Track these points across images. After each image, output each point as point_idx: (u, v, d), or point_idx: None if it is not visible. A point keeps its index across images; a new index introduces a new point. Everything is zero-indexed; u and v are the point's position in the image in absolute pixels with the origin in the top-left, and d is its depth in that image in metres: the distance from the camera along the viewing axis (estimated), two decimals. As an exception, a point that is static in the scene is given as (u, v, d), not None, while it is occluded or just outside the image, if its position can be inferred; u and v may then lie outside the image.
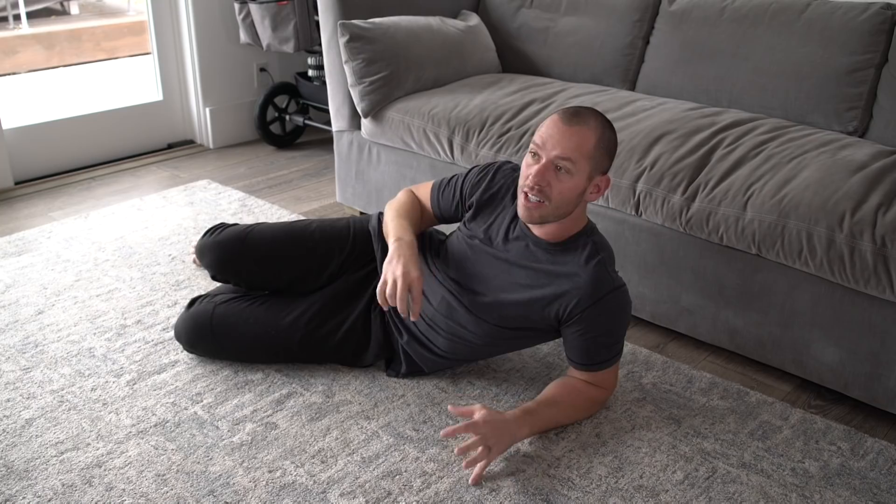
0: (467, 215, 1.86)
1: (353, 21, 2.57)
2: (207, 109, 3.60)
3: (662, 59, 2.63)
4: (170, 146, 3.66)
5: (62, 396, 1.84)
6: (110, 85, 3.64)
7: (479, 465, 1.60)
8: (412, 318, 1.71)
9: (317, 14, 2.99)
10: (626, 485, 1.61)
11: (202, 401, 1.84)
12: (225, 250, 1.98)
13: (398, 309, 1.69)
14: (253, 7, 3.29)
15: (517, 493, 1.58)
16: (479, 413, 1.61)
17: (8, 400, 1.83)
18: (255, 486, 1.58)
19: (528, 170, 1.64)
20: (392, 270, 1.70)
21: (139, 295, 2.30)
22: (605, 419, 1.81)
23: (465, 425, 1.59)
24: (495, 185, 1.83)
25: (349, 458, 1.66)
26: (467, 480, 1.61)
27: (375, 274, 1.97)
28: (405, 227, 1.82)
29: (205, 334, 1.93)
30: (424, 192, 1.95)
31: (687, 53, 2.57)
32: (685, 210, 1.99)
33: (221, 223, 2.10)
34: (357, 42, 2.54)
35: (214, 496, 1.55)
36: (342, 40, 2.56)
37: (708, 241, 2.00)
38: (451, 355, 1.87)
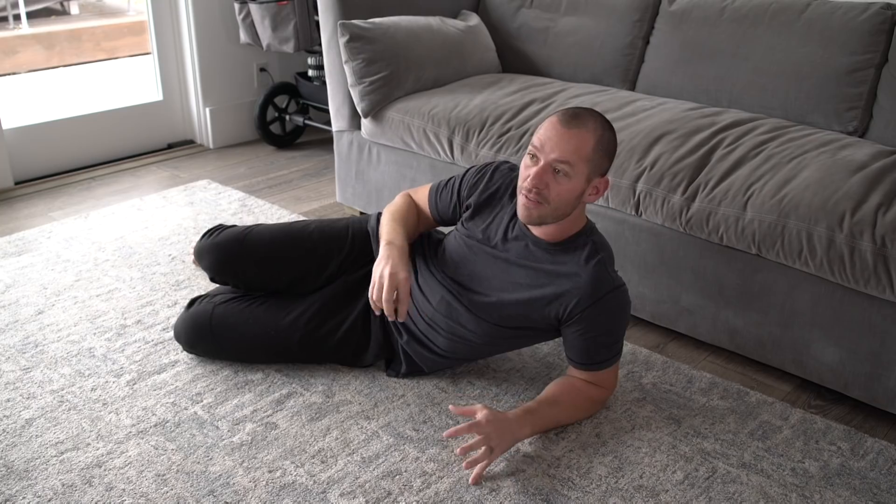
0: (465, 215, 1.86)
1: (353, 21, 2.57)
2: (207, 109, 3.60)
3: (662, 59, 2.63)
4: (170, 146, 3.66)
5: (62, 396, 1.84)
6: (110, 85, 3.64)
7: (479, 465, 1.60)
8: (399, 319, 1.73)
9: (317, 14, 2.99)
10: (626, 485, 1.61)
11: (202, 401, 1.84)
12: (223, 252, 1.98)
13: (385, 311, 1.70)
14: (253, 7, 3.29)
15: (517, 493, 1.58)
16: (481, 413, 1.61)
17: (8, 400, 1.83)
18: (255, 486, 1.58)
19: (526, 171, 1.64)
20: (380, 273, 1.71)
21: (139, 295, 2.30)
22: (605, 419, 1.81)
23: (468, 425, 1.59)
24: (493, 184, 1.83)
25: (349, 458, 1.66)
26: (467, 480, 1.61)
27: (375, 274, 1.97)
28: (397, 230, 1.83)
29: (204, 335, 1.93)
30: (422, 195, 1.95)
31: (687, 53, 2.57)
32: (685, 210, 1.99)
33: (219, 225, 2.10)
34: (357, 42, 2.54)
35: (214, 496, 1.55)
36: (342, 40, 2.56)
37: (708, 241, 2.00)
38: (451, 354, 1.87)
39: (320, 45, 2.92)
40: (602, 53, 2.75)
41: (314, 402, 1.84)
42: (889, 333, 1.77)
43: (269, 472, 1.62)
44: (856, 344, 1.82)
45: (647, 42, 2.69)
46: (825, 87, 2.31)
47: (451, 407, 1.63)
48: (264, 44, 3.36)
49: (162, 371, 1.94)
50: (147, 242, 2.63)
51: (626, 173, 2.09)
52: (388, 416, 1.80)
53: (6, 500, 1.53)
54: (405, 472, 1.63)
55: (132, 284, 2.36)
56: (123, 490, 1.57)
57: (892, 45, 2.25)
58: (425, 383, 1.92)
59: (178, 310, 2.21)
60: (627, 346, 2.08)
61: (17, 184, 3.17)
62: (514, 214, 1.76)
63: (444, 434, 1.61)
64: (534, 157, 1.64)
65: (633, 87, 2.72)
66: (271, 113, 3.66)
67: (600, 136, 1.62)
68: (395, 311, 1.72)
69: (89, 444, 1.69)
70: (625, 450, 1.71)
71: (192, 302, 1.98)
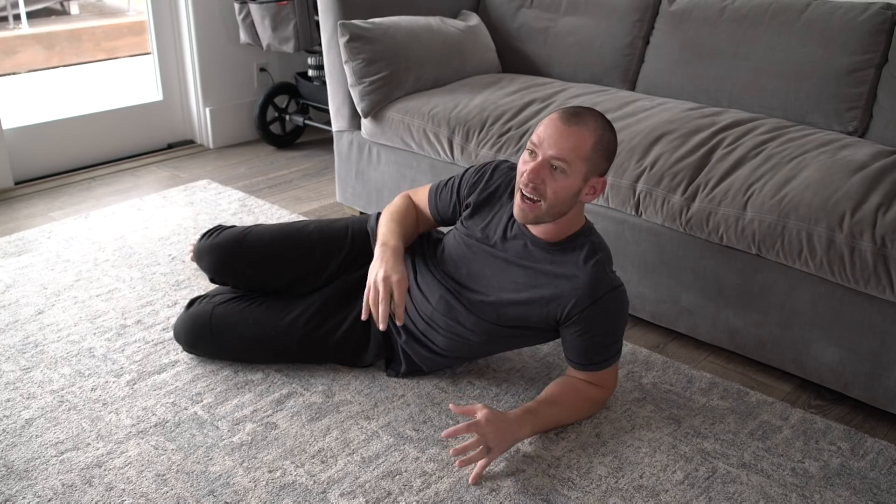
0: (464, 214, 1.86)
1: (353, 21, 2.57)
2: (207, 109, 3.60)
3: (662, 59, 2.63)
4: (170, 146, 3.66)
5: (62, 396, 1.84)
6: (110, 85, 3.64)
7: (479, 465, 1.60)
8: (397, 322, 1.73)
9: (317, 14, 2.99)
10: (626, 485, 1.61)
11: (202, 401, 1.84)
12: (223, 253, 1.98)
13: (379, 316, 1.69)
14: (253, 7, 3.29)
15: (517, 493, 1.58)
16: (480, 412, 1.61)
17: (8, 400, 1.83)
18: (255, 486, 1.58)
19: (524, 166, 1.64)
20: (373, 278, 1.71)
21: (139, 295, 2.30)
22: (605, 419, 1.81)
23: (465, 425, 1.59)
24: (493, 184, 1.83)
25: (349, 458, 1.66)
26: (467, 480, 1.61)
27: (375, 274, 1.97)
28: (393, 230, 1.83)
29: (204, 335, 1.93)
30: (422, 195, 1.95)
31: (687, 53, 2.57)
32: (685, 210, 1.99)
33: (219, 225, 2.10)
34: (357, 42, 2.54)
35: (214, 496, 1.55)
36: (342, 40, 2.56)
37: (708, 241, 2.00)
38: (450, 354, 1.87)
39: (320, 45, 2.92)
40: (602, 53, 2.75)
41: (314, 402, 1.84)
42: (889, 333, 1.77)
43: (269, 472, 1.62)
44: (856, 344, 1.82)
45: (647, 42, 2.69)
46: (825, 87, 2.31)
47: (451, 406, 1.63)
48: (264, 44, 3.36)
49: (162, 371, 1.94)
50: (147, 242, 2.63)
51: (626, 173, 2.09)
52: (388, 416, 1.79)
53: (6, 500, 1.53)
54: (405, 472, 1.63)
55: (132, 284, 2.36)
56: (123, 490, 1.57)
57: (892, 45, 2.25)
58: (425, 383, 1.92)
59: (178, 310, 2.21)
60: (627, 346, 2.08)
61: (17, 184, 3.17)
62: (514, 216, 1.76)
63: (443, 434, 1.60)
64: (532, 152, 1.64)
65: (633, 87, 2.72)
66: (271, 113, 3.66)
67: (600, 135, 1.62)
68: (393, 315, 1.72)
69: (89, 444, 1.69)
70: (625, 450, 1.71)
71: (192, 302, 1.98)
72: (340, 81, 2.73)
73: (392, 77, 2.59)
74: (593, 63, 2.77)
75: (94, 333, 2.10)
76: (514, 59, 2.96)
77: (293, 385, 1.90)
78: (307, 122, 3.62)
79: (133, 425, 1.75)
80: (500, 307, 1.75)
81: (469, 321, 1.79)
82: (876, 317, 1.78)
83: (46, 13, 3.68)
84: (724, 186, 1.95)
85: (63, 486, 1.57)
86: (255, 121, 3.62)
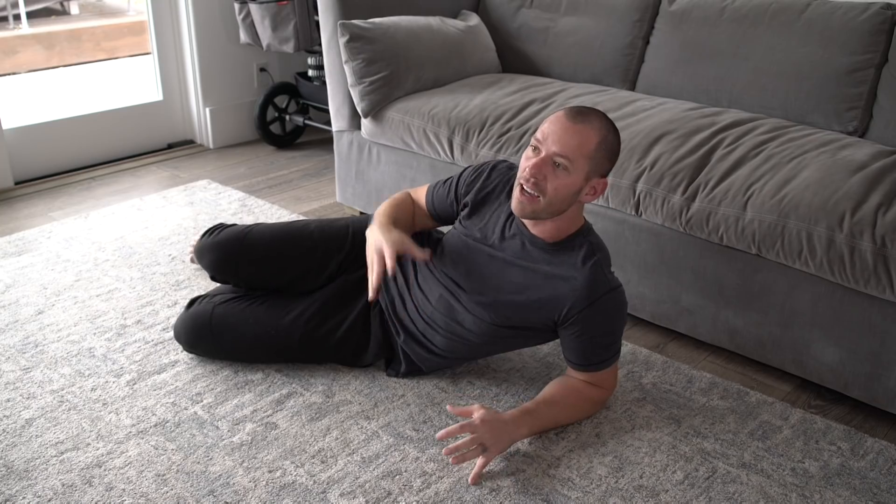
0: (463, 213, 1.86)
1: (353, 21, 2.57)
2: (207, 109, 3.60)
3: (662, 59, 2.63)
4: (170, 146, 3.66)
5: (62, 396, 1.84)
6: (110, 85, 3.64)
7: (478, 465, 1.60)
8: (419, 258, 1.74)
9: (317, 14, 2.99)
10: (626, 485, 1.61)
11: (202, 401, 1.84)
12: (224, 251, 1.98)
13: (371, 283, 1.70)
14: (253, 7, 3.29)
15: (517, 493, 1.58)
16: (477, 413, 1.61)
17: (8, 400, 1.83)
18: (255, 486, 1.58)
19: (526, 162, 1.64)
20: (369, 257, 1.75)
21: (139, 295, 2.30)
22: (605, 419, 1.81)
23: (460, 426, 1.59)
24: (491, 183, 1.83)
25: (349, 458, 1.66)
26: (467, 480, 1.61)
27: (375, 274, 1.97)
28: (386, 213, 1.85)
29: (204, 334, 1.93)
30: (421, 192, 1.96)
31: (687, 53, 2.57)
32: (685, 210, 1.99)
33: (220, 224, 2.10)
34: (357, 42, 2.54)
35: (214, 496, 1.55)
36: (342, 40, 2.56)
37: (708, 241, 2.00)
38: (449, 354, 1.87)
39: (320, 45, 2.92)
40: (602, 53, 2.75)
41: (314, 402, 1.84)
42: (889, 333, 1.77)
43: (269, 472, 1.62)
44: (856, 344, 1.82)
45: (647, 42, 2.69)
46: (825, 87, 2.31)
47: (448, 407, 1.63)
48: (264, 44, 3.36)
49: (162, 371, 1.94)
50: (147, 242, 2.63)
51: (626, 173, 2.09)
52: (388, 416, 1.79)
53: (6, 500, 1.53)
54: (405, 472, 1.63)
55: (132, 284, 2.36)
56: (123, 490, 1.57)
57: (892, 45, 2.25)
58: (425, 383, 1.92)
59: (178, 310, 2.21)
60: (627, 346, 2.08)
61: (17, 184, 3.17)
62: (512, 213, 1.76)
63: (438, 435, 1.60)
64: (536, 149, 1.64)
65: (633, 87, 2.72)
66: (271, 113, 3.66)
67: (604, 136, 1.62)
68: (391, 306, 1.72)
69: (89, 444, 1.69)
70: (625, 450, 1.71)
71: (192, 302, 1.99)
72: (340, 81, 2.73)
73: (392, 77, 2.59)
74: (593, 63, 2.77)
75: (94, 333, 2.10)
76: (514, 59, 2.96)
77: (293, 385, 1.90)
78: (307, 122, 3.62)
79: (133, 425, 1.75)
80: (498, 308, 1.75)
81: (468, 321, 1.79)
82: (876, 317, 1.78)
83: (46, 13, 3.68)
84: (724, 186, 1.95)
85: (63, 486, 1.57)
86: (255, 121, 3.62)
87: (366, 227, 2.01)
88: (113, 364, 1.97)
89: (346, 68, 2.60)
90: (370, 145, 2.74)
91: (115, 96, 3.52)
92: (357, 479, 1.61)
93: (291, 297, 1.95)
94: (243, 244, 1.98)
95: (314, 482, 1.60)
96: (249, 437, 1.72)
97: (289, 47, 3.29)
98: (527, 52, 2.93)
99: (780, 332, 1.94)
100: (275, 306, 1.92)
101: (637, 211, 2.09)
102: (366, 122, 2.68)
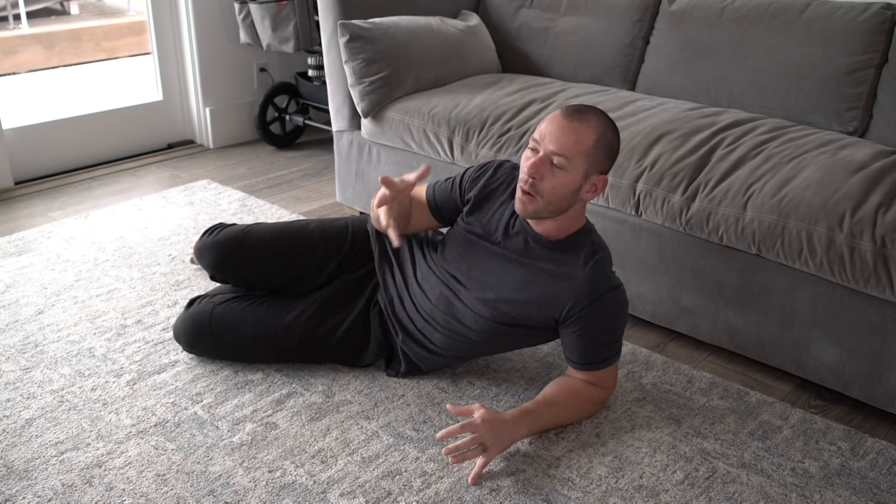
0: (465, 209, 1.86)
1: (353, 21, 2.57)
2: (207, 109, 3.60)
3: (662, 59, 2.63)
4: (170, 146, 3.66)
5: (62, 396, 1.84)
6: (110, 85, 3.64)
7: (478, 465, 1.60)
8: (420, 176, 1.65)
9: (317, 14, 2.99)
10: (626, 485, 1.61)
11: (202, 401, 1.84)
12: (223, 250, 1.98)
13: (381, 221, 1.66)
14: (253, 7, 3.29)
15: (517, 493, 1.58)
16: (477, 412, 1.61)
17: (8, 400, 1.83)
18: (255, 486, 1.58)
19: (525, 163, 1.65)
20: (373, 216, 1.70)
21: (139, 295, 2.30)
22: (605, 419, 1.81)
23: (460, 425, 1.59)
24: (495, 181, 1.83)
25: (349, 458, 1.66)
26: (467, 480, 1.61)
27: (374, 273, 1.97)
28: None
29: (204, 334, 1.93)
30: (420, 188, 1.94)
31: (687, 53, 2.57)
32: (685, 210, 1.99)
33: (220, 223, 2.10)
34: (357, 42, 2.54)
35: (214, 496, 1.55)
36: (342, 40, 2.56)
37: (708, 241, 2.00)
38: (448, 353, 1.87)
39: (320, 45, 2.92)
40: (602, 53, 2.75)
41: (314, 402, 1.84)
42: (889, 333, 1.77)
43: (269, 472, 1.62)
44: (856, 344, 1.82)
45: (647, 42, 2.69)
46: (825, 87, 2.31)
47: (448, 406, 1.63)
48: (264, 44, 3.36)
49: (162, 371, 1.94)
50: (147, 242, 2.63)
51: (626, 173, 2.09)
52: (388, 416, 1.79)
53: (6, 500, 1.53)
54: (405, 472, 1.63)
55: (132, 284, 2.36)
56: (123, 490, 1.57)
57: (892, 45, 2.25)
58: (425, 383, 1.92)
59: (178, 310, 2.21)
60: (627, 346, 2.08)
61: (17, 184, 3.17)
62: (515, 211, 1.77)
63: (438, 435, 1.60)
64: (534, 149, 1.64)
65: (633, 87, 2.72)
66: (271, 113, 3.66)
67: (602, 133, 1.62)
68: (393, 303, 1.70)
69: (89, 444, 1.69)
70: (625, 450, 1.71)
71: (192, 302, 1.99)
72: (340, 81, 2.73)
73: (392, 77, 2.59)
74: (593, 63, 2.77)
75: (94, 333, 2.10)
76: (514, 59, 2.96)
77: (293, 385, 1.90)
78: (307, 122, 3.62)
79: (133, 425, 1.75)
80: (499, 305, 1.75)
81: (468, 319, 1.79)
82: (876, 317, 1.78)
83: (46, 13, 3.68)
84: (724, 186, 1.95)
85: (63, 486, 1.57)
86: (255, 121, 3.62)
87: (365, 227, 2.02)
88: (113, 364, 1.97)
89: (346, 68, 2.60)
90: (370, 145, 2.74)
91: (115, 96, 3.52)
92: (357, 479, 1.61)
93: (291, 296, 1.95)
94: (243, 244, 1.98)
95: (314, 482, 1.60)
96: (249, 437, 1.72)
97: (289, 47, 3.29)
98: (527, 52, 2.93)
99: (780, 332, 1.94)
100: (275, 306, 1.92)
101: (637, 211, 2.09)
102: (366, 122, 2.68)
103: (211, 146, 3.67)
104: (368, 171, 2.78)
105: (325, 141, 3.81)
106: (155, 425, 1.75)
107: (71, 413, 1.79)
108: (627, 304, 1.74)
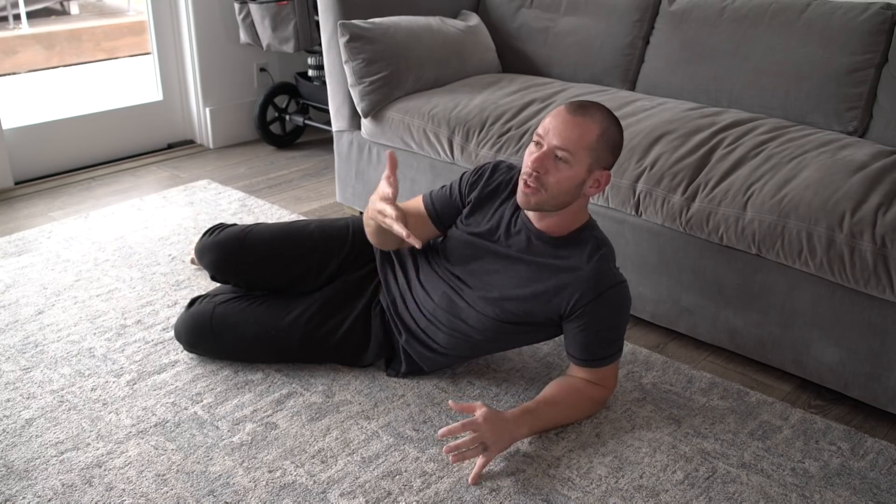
0: (465, 211, 1.86)
1: (353, 21, 2.57)
2: (207, 109, 3.60)
3: (662, 59, 2.63)
4: (170, 146, 3.66)
5: (62, 396, 1.84)
6: (110, 85, 3.64)
7: (478, 464, 1.60)
8: (392, 166, 1.62)
9: (317, 14, 2.99)
10: (626, 485, 1.61)
11: (202, 401, 1.84)
12: (224, 250, 1.98)
13: (394, 226, 1.62)
14: (253, 7, 3.29)
15: (517, 493, 1.58)
16: (479, 411, 1.61)
17: (8, 400, 1.83)
18: (255, 486, 1.58)
19: (529, 156, 1.65)
20: (373, 212, 1.67)
21: (139, 295, 2.30)
22: (605, 419, 1.81)
23: (462, 424, 1.59)
24: (494, 181, 1.83)
25: (349, 458, 1.66)
26: (467, 480, 1.61)
27: (374, 274, 1.97)
28: None
29: (205, 334, 1.93)
30: (412, 203, 1.91)
31: (687, 53, 2.57)
32: (685, 210, 1.99)
33: (220, 223, 2.10)
34: (357, 42, 2.54)
35: (214, 496, 1.55)
36: (342, 40, 2.56)
37: (708, 241, 2.00)
38: (451, 351, 1.87)
39: (320, 45, 2.92)
40: (602, 53, 2.75)
41: (314, 402, 1.84)
42: (889, 333, 1.77)
43: (269, 472, 1.62)
44: (856, 344, 1.82)
45: (647, 42, 2.69)
46: (825, 87, 2.31)
47: (450, 403, 1.62)
48: (264, 44, 3.36)
49: (162, 371, 1.94)
50: (147, 242, 2.63)
51: (626, 173, 2.09)
52: (388, 416, 1.80)
53: (6, 500, 1.53)
54: (405, 472, 1.63)
55: (132, 284, 2.36)
56: (123, 490, 1.57)
57: (892, 45, 2.25)
58: (425, 383, 1.92)
59: (178, 310, 2.21)
60: (627, 346, 2.08)
61: (17, 184, 3.17)
62: (517, 209, 1.77)
63: (439, 433, 1.60)
64: (538, 143, 1.65)
65: (633, 87, 2.72)
66: (271, 113, 3.66)
67: (605, 128, 1.63)
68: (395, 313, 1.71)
69: (89, 444, 1.69)
70: (625, 450, 1.71)
71: (193, 302, 1.99)
72: (340, 81, 2.73)
73: (392, 77, 2.59)
74: (593, 63, 2.77)
75: (94, 333, 2.10)
76: (514, 59, 2.96)
77: (293, 385, 1.90)
78: (307, 122, 3.62)
79: (133, 425, 1.75)
80: (503, 302, 1.75)
81: (471, 318, 1.79)
82: (876, 317, 1.78)
83: (46, 13, 3.68)
84: (724, 186, 1.95)
85: (63, 486, 1.57)
86: (255, 121, 3.62)
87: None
88: (113, 364, 1.97)
89: (346, 68, 2.60)
90: (370, 145, 2.74)
91: (115, 96, 3.52)
92: (357, 479, 1.61)
93: (292, 297, 1.95)
94: (243, 244, 1.98)
95: (314, 482, 1.60)
96: (249, 437, 1.72)
97: (289, 47, 3.29)
98: (527, 52, 2.93)
99: (780, 332, 1.94)
100: (275, 306, 1.92)
101: (637, 211, 2.09)
102: (366, 122, 2.68)
103: (211, 146, 3.67)
104: (368, 171, 2.78)
105: (325, 141, 3.81)
106: (155, 425, 1.75)
107: (71, 413, 1.79)
108: (630, 300, 1.74)
